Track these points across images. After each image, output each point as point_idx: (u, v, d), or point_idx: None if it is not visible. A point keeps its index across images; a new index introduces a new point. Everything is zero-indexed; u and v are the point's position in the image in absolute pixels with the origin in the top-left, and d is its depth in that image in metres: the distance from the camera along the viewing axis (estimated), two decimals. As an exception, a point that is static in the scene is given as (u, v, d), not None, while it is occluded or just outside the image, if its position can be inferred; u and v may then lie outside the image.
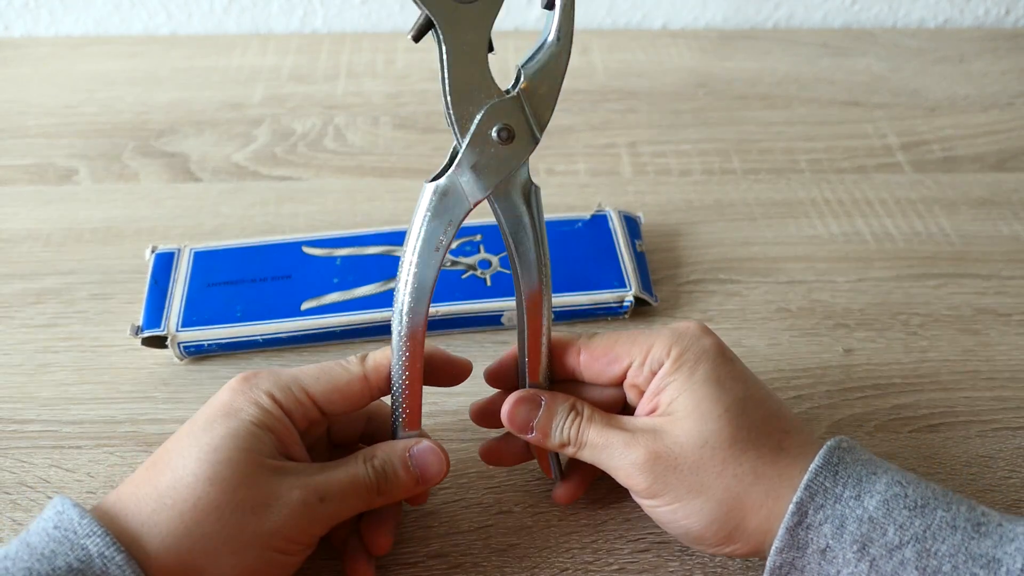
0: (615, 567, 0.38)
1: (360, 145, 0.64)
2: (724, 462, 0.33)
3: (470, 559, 0.39)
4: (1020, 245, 0.56)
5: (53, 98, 0.68)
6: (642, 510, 0.37)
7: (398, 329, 0.35)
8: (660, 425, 0.35)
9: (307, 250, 0.51)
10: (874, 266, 0.54)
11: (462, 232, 0.52)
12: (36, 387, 0.46)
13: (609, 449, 0.35)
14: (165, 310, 0.48)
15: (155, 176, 0.61)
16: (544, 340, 0.37)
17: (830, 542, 0.32)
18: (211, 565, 0.32)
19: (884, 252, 0.55)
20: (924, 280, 0.53)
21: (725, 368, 0.35)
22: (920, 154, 0.63)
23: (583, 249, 0.51)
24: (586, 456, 0.36)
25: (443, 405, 0.45)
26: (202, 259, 0.51)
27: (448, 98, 0.33)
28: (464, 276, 0.49)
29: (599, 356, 0.37)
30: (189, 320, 0.47)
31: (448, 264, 0.50)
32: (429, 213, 0.34)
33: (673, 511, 0.34)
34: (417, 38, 0.32)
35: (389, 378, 0.36)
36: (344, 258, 0.51)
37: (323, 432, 0.39)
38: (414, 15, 0.32)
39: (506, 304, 0.48)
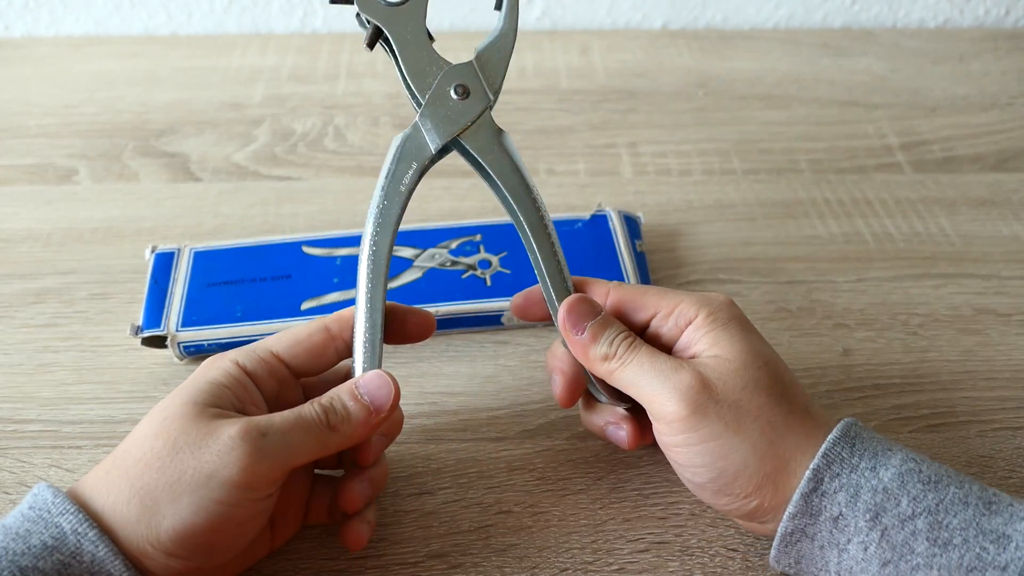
0: (615, 567, 0.38)
1: (360, 145, 0.64)
2: (761, 408, 0.34)
3: (470, 559, 0.39)
4: (1020, 245, 0.56)
5: (53, 98, 0.68)
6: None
7: (364, 268, 0.37)
8: (705, 362, 0.35)
9: (307, 250, 0.51)
10: (874, 266, 0.54)
11: (462, 232, 0.52)
12: (36, 387, 0.46)
13: (656, 369, 0.35)
14: (165, 310, 0.48)
15: (155, 176, 0.61)
16: (562, 263, 0.38)
17: (843, 510, 0.32)
18: (153, 515, 0.31)
19: (884, 252, 0.55)
20: (924, 280, 0.53)
21: (755, 333, 0.37)
22: (920, 154, 0.63)
23: (583, 249, 0.51)
24: (627, 374, 0.36)
25: (443, 405, 0.45)
26: (202, 259, 0.51)
27: (407, 79, 0.38)
28: (464, 276, 0.49)
29: (627, 300, 0.38)
30: (189, 320, 0.47)
31: (448, 264, 0.50)
32: (396, 155, 0.38)
33: (708, 450, 0.34)
34: (371, 44, 0.38)
35: (351, 328, 0.37)
36: (344, 258, 0.51)
37: (299, 398, 0.38)
38: None
39: (506, 304, 0.48)
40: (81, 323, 0.50)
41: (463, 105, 0.38)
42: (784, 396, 0.35)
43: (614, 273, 0.50)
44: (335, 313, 0.38)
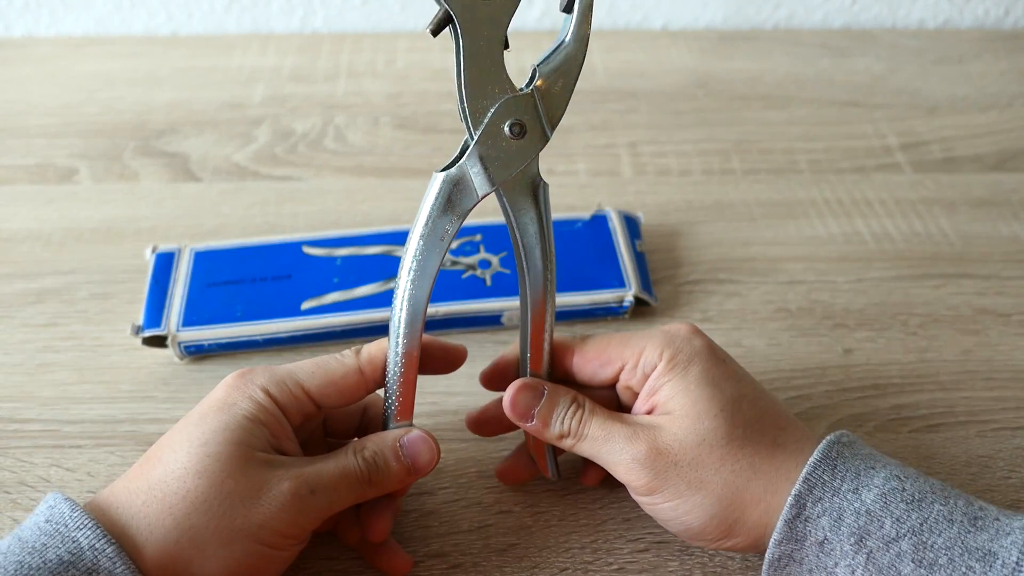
0: (615, 567, 0.38)
1: (360, 145, 0.64)
2: (722, 459, 0.34)
3: (470, 559, 0.39)
4: (1020, 245, 0.56)
5: (53, 98, 0.68)
6: (642, 510, 0.37)
7: (398, 317, 0.35)
8: (659, 423, 0.35)
9: (307, 250, 0.51)
10: (874, 266, 0.54)
11: (462, 232, 0.52)
12: (36, 387, 0.46)
13: (611, 443, 0.35)
14: (165, 310, 0.48)
15: (155, 176, 0.61)
16: (547, 336, 0.37)
17: (828, 534, 0.32)
18: (199, 557, 0.32)
19: (884, 252, 0.55)
20: (924, 280, 0.53)
21: (718, 368, 0.36)
22: (920, 154, 0.64)
23: (583, 249, 0.51)
24: (585, 449, 0.36)
25: (443, 405, 0.45)
26: (202, 259, 0.51)
27: (463, 91, 0.33)
28: (464, 276, 0.50)
29: (592, 359, 0.38)
30: (189, 320, 0.47)
31: (448, 264, 0.50)
32: (437, 202, 0.34)
33: (674, 507, 0.34)
34: (435, 32, 0.32)
35: (384, 370, 0.36)
36: (344, 258, 0.51)
37: (319, 425, 0.39)
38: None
39: (506, 304, 0.48)
40: (81, 323, 0.50)
41: (517, 146, 0.34)
42: (747, 439, 0.34)
43: (614, 273, 0.50)
44: (367, 353, 0.37)
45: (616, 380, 0.38)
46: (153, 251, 0.51)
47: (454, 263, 0.50)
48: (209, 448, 0.33)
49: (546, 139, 0.34)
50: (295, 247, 0.51)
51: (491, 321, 0.49)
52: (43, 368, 0.47)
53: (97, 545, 0.30)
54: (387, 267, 0.50)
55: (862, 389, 0.46)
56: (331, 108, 0.68)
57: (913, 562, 0.31)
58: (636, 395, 0.37)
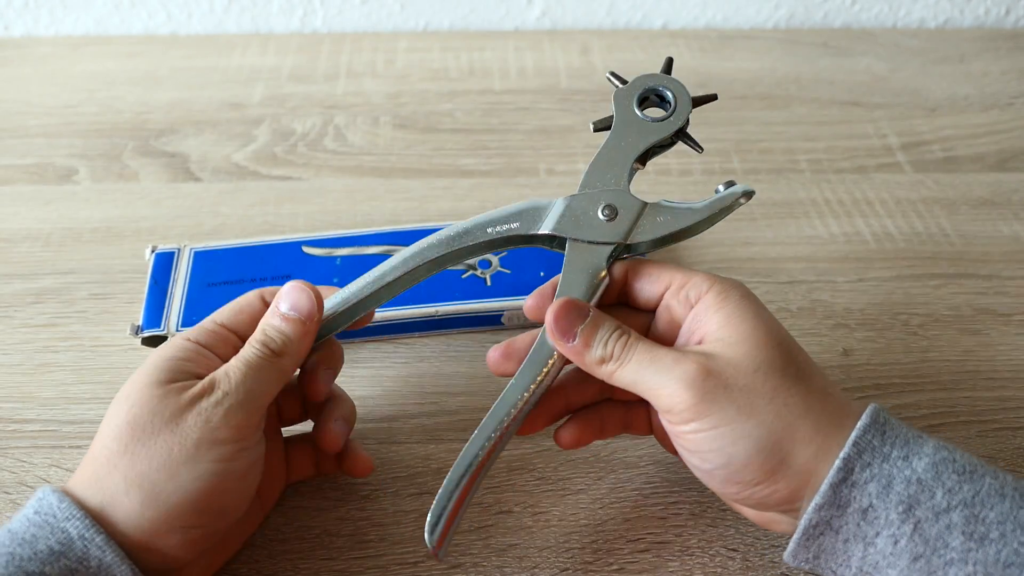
0: (615, 567, 0.38)
1: (360, 145, 0.64)
2: (775, 389, 0.32)
3: (470, 559, 0.39)
4: (1020, 245, 0.56)
5: (53, 98, 0.68)
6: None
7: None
8: (710, 349, 0.34)
9: (307, 250, 0.51)
10: (874, 266, 0.54)
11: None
12: (36, 387, 0.46)
13: (657, 364, 0.33)
14: (165, 310, 0.48)
15: (155, 176, 0.61)
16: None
17: (874, 501, 0.31)
18: (156, 501, 0.32)
19: (884, 252, 0.55)
20: (924, 280, 0.53)
21: (767, 312, 0.35)
22: (920, 154, 0.63)
23: (583, 249, 0.51)
24: (627, 374, 0.34)
25: (443, 405, 0.45)
26: (202, 259, 0.51)
27: (589, 169, 0.38)
28: (464, 276, 0.49)
29: (641, 274, 0.37)
30: (189, 320, 0.47)
31: (448, 264, 0.50)
32: (515, 208, 0.38)
33: (719, 435, 0.32)
34: (596, 129, 0.39)
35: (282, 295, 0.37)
36: (344, 258, 0.51)
37: (274, 415, 0.40)
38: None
39: (506, 304, 0.48)
40: (81, 323, 0.50)
41: (604, 227, 0.37)
42: (800, 377, 0.33)
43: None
44: (270, 288, 0.39)
45: (659, 302, 0.37)
46: (153, 251, 0.51)
47: (454, 263, 0.50)
48: (132, 398, 0.33)
49: (620, 242, 0.37)
50: (295, 247, 0.51)
51: (491, 321, 0.49)
52: (42, 368, 0.47)
53: (86, 534, 0.31)
54: (387, 267, 0.50)
55: (863, 389, 0.46)
56: (331, 108, 0.68)
57: (963, 535, 0.30)
58: (677, 325, 0.36)
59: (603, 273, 0.36)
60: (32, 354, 0.48)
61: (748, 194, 0.37)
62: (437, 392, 0.46)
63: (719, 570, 0.38)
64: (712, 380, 0.32)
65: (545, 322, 0.35)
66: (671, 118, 0.39)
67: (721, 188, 0.38)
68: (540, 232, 0.37)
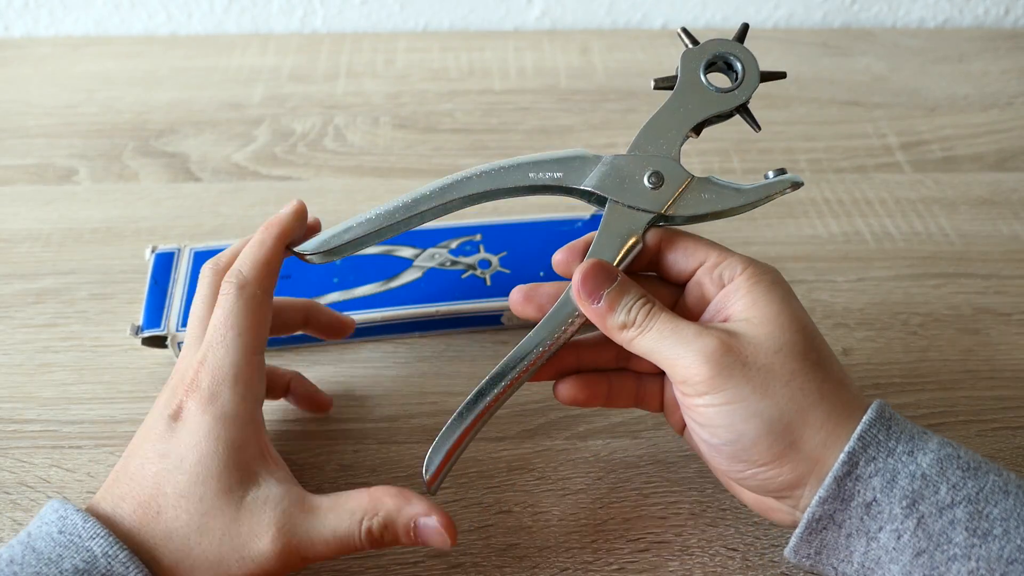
0: (615, 567, 0.38)
1: (360, 145, 0.64)
2: (793, 373, 0.32)
3: (470, 559, 0.39)
4: (1020, 245, 0.56)
5: (53, 98, 0.68)
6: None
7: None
8: (734, 328, 0.34)
9: (307, 250, 0.51)
10: (874, 266, 0.54)
11: (462, 232, 0.52)
12: (36, 387, 0.46)
13: (678, 334, 0.33)
14: (165, 310, 0.48)
15: (155, 176, 0.61)
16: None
17: (878, 495, 0.31)
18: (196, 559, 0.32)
19: (884, 252, 0.55)
20: (924, 280, 0.53)
21: (796, 300, 0.35)
22: (920, 154, 0.63)
23: (583, 249, 0.51)
24: (646, 342, 0.34)
25: (443, 405, 0.45)
26: (202, 259, 0.50)
27: (642, 132, 0.38)
28: (464, 276, 0.49)
29: (679, 247, 0.37)
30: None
31: (448, 264, 0.50)
32: (563, 153, 0.37)
33: (731, 411, 0.32)
34: (657, 87, 0.38)
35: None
36: (344, 258, 0.51)
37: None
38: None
39: (506, 304, 0.48)
40: (81, 323, 0.50)
41: (648, 192, 0.37)
42: (818, 364, 0.33)
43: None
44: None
45: (690, 277, 0.37)
46: (153, 251, 0.51)
47: (454, 263, 0.50)
48: (206, 497, 0.33)
49: (659, 210, 0.36)
50: (295, 247, 0.51)
51: (491, 321, 0.49)
52: (43, 368, 0.47)
53: (110, 552, 0.31)
54: (387, 267, 0.50)
55: (862, 388, 0.46)
56: (331, 108, 0.68)
57: (967, 531, 0.30)
58: (706, 303, 0.36)
59: (636, 239, 0.36)
60: (32, 354, 0.48)
61: (797, 185, 0.37)
62: (437, 392, 0.46)
63: (719, 570, 0.38)
64: (731, 356, 0.32)
65: (572, 281, 0.35)
66: (736, 91, 0.37)
67: (771, 174, 0.37)
68: (582, 187, 0.37)
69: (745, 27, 0.38)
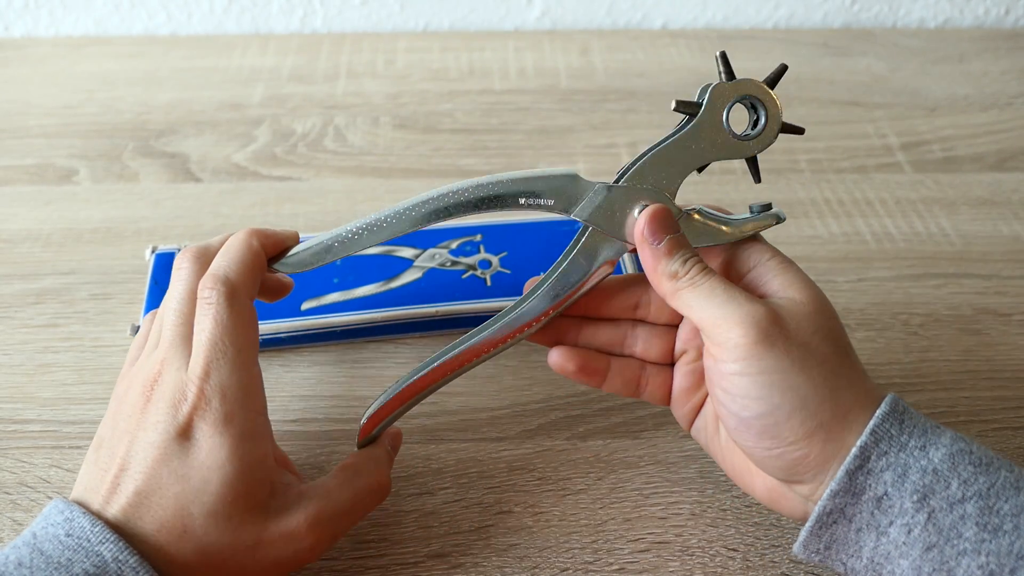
0: (615, 567, 0.38)
1: (360, 145, 0.64)
2: (826, 357, 0.33)
3: (470, 559, 0.39)
4: (1020, 245, 0.56)
5: (53, 98, 0.68)
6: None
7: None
8: (779, 302, 0.34)
9: (307, 250, 0.51)
10: (874, 266, 0.54)
11: (462, 232, 0.52)
12: (36, 387, 0.46)
13: (730, 294, 0.33)
14: (165, 310, 0.47)
15: (155, 176, 0.61)
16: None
17: (889, 489, 0.31)
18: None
19: (884, 252, 0.55)
20: (924, 280, 0.53)
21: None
22: (920, 154, 0.63)
23: (583, 249, 0.51)
24: (694, 296, 0.34)
25: (443, 405, 0.45)
26: (202, 259, 0.50)
27: (645, 154, 0.36)
28: (464, 276, 0.49)
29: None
30: (189, 320, 0.47)
31: (448, 264, 0.50)
32: (554, 172, 0.37)
33: (768, 383, 0.32)
34: (676, 109, 0.36)
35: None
36: (344, 258, 0.51)
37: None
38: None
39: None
40: (81, 323, 0.50)
41: (627, 223, 0.37)
42: (847, 353, 0.34)
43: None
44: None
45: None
46: (153, 251, 0.51)
47: (454, 263, 0.50)
48: (233, 512, 0.33)
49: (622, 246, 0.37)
50: (295, 247, 0.51)
51: (491, 321, 0.49)
52: (43, 369, 0.47)
53: (120, 557, 0.31)
54: (387, 267, 0.50)
55: (862, 389, 0.46)
56: (331, 108, 0.68)
57: (977, 526, 0.30)
58: (737, 279, 0.36)
59: (610, 266, 0.37)
60: (32, 354, 0.48)
61: (780, 220, 0.37)
62: (437, 392, 0.46)
63: (719, 570, 0.38)
64: (777, 327, 0.32)
65: (640, 219, 0.36)
66: (752, 142, 0.38)
67: (756, 208, 0.37)
68: (572, 217, 0.37)
69: (783, 68, 0.38)
